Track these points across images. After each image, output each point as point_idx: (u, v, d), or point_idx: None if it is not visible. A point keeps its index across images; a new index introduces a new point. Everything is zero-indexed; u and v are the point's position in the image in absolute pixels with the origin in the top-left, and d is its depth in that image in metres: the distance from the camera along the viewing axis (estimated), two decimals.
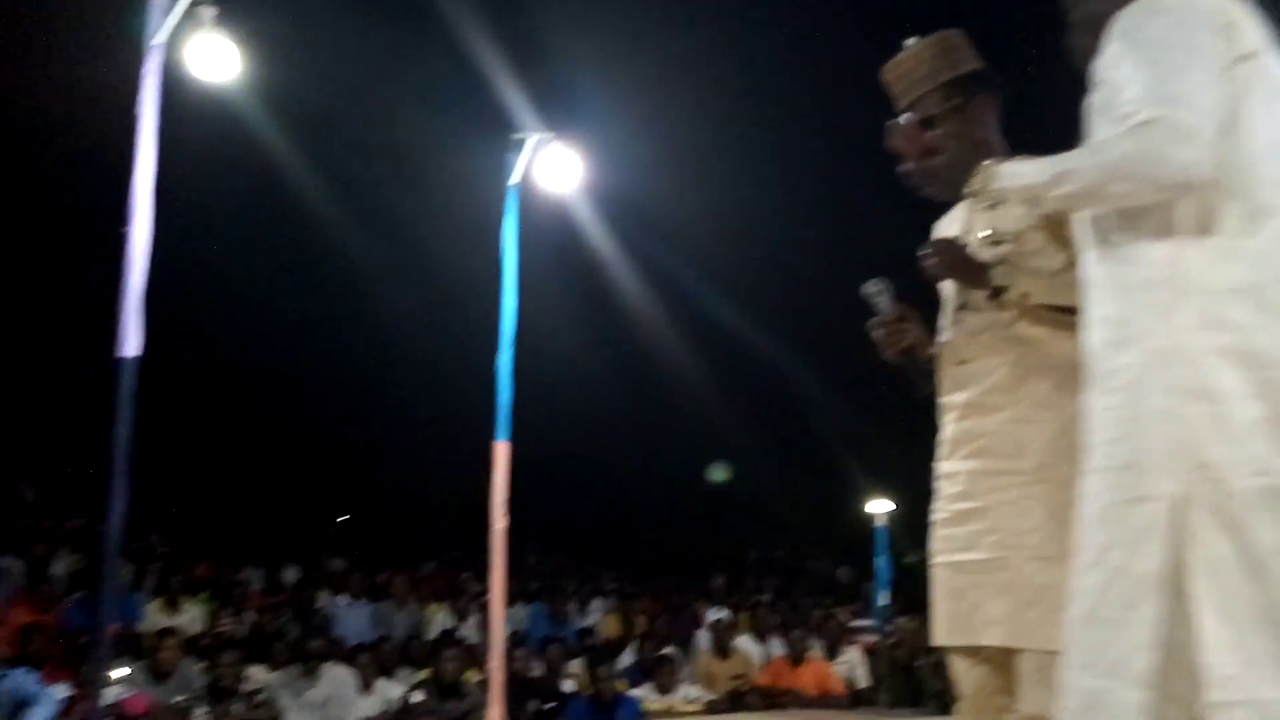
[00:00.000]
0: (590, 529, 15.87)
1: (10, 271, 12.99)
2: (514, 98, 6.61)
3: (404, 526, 14.67)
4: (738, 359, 14.72)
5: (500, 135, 5.82)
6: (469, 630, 8.85)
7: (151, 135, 4.45)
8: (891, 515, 9.64)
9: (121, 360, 4.24)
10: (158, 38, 4.47)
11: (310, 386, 16.01)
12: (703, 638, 8.35)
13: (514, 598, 8.19)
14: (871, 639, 8.41)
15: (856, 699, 7.26)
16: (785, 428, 16.48)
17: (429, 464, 16.34)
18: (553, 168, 5.83)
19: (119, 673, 5.45)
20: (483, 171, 6.05)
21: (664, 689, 7.07)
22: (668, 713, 6.81)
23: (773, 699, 7.06)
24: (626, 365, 15.06)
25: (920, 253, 2.33)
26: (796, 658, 7.30)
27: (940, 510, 2.34)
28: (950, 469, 2.33)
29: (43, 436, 15.17)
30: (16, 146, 10.97)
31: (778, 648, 8.18)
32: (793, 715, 6.62)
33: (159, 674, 6.11)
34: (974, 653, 2.25)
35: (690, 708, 6.94)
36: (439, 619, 9.22)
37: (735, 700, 7.11)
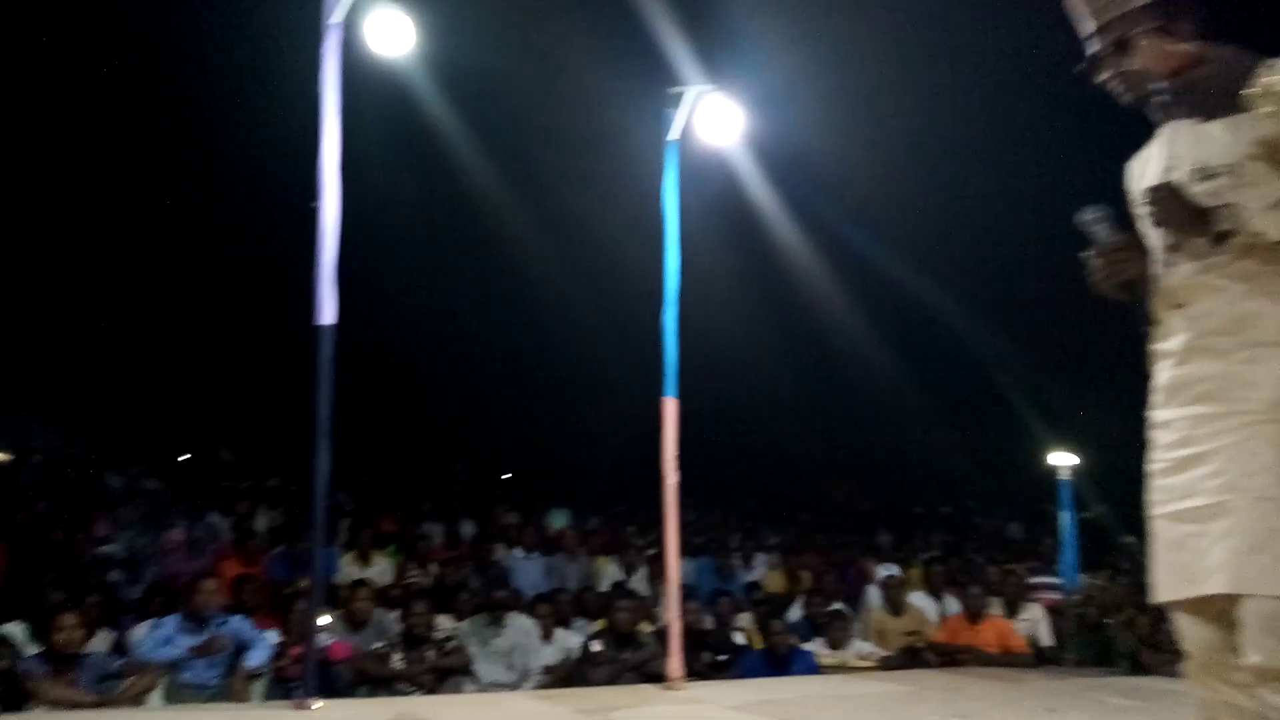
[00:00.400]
0: (749, 484, 15.89)
1: (208, 249, 13.99)
2: (673, 50, 6.53)
3: (566, 483, 15.07)
4: (904, 310, 14.31)
5: (660, 91, 5.80)
6: (637, 583, 9.05)
7: (334, 112, 4.65)
8: (1075, 469, 9.17)
9: (320, 328, 4.46)
10: (335, 16, 4.66)
11: (477, 348, 16.59)
12: (873, 594, 8.25)
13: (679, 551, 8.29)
14: (1055, 596, 8.10)
15: (1041, 657, 7.01)
16: (952, 381, 15.95)
17: (587, 422, 16.70)
18: (713, 121, 5.76)
19: (322, 620, 5.79)
20: (643, 128, 6.04)
21: (835, 644, 7.02)
22: (841, 668, 6.75)
23: (950, 656, 6.90)
24: (789, 319, 14.87)
25: (1141, 202, 2.20)
26: (975, 614, 7.09)
27: (1157, 460, 2.23)
28: (1167, 416, 2.21)
29: (234, 403, 16.36)
30: (213, 130, 11.74)
31: (953, 605, 8.00)
32: (973, 672, 6.45)
33: (354, 623, 6.45)
34: (1199, 608, 2.14)
35: (864, 663, 6.86)
36: (609, 571, 9.46)
37: (911, 656, 6.98)
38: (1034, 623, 7.32)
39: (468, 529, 10.25)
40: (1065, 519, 8.88)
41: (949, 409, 15.75)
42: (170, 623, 5.71)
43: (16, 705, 4.75)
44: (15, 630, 5.69)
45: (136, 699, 5.07)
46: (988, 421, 15.84)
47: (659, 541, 10.14)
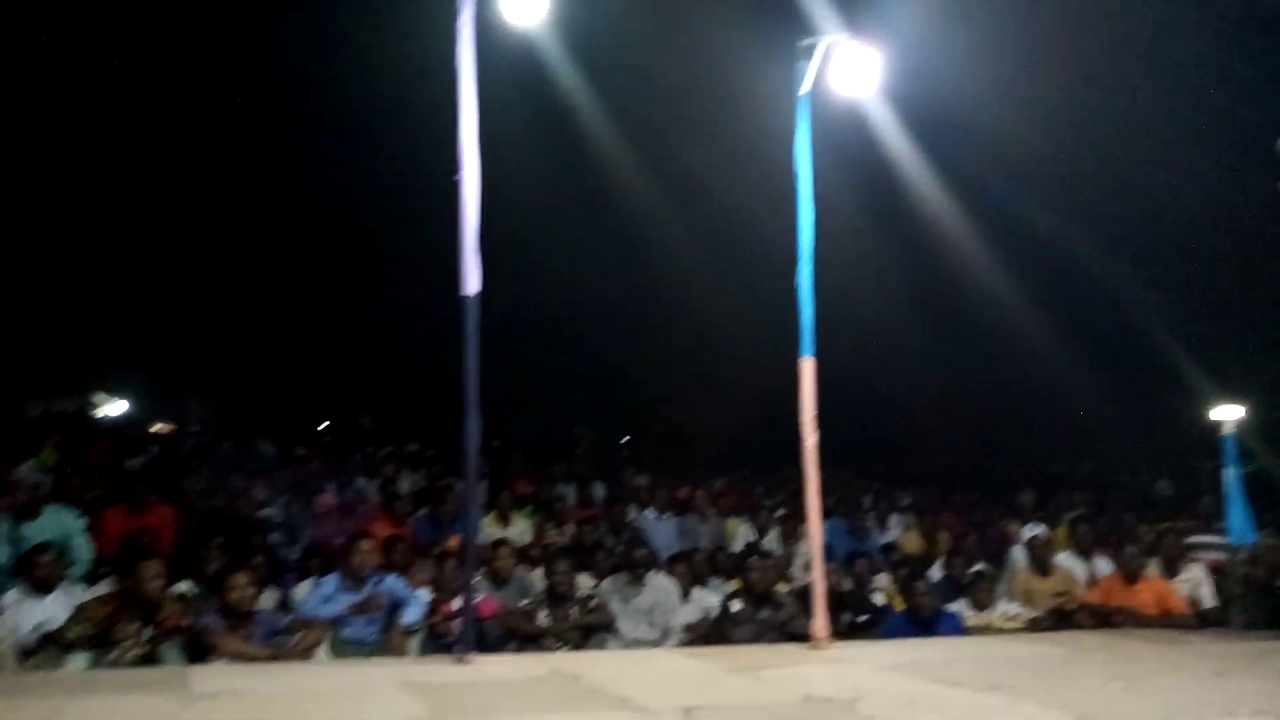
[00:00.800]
0: (880, 444, 15.62)
1: (349, 226, 14.47)
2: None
3: (688, 445, 15.11)
4: (1046, 261, 13.67)
5: (791, 43, 5.64)
6: (770, 543, 9.04)
7: (471, 84, 4.70)
8: (1239, 422, 8.58)
9: (465, 299, 4.54)
10: None
11: (602, 312, 16.72)
12: (1019, 554, 8.01)
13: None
14: (1217, 556, 7.68)
15: (1203, 620, 6.67)
16: (1097, 335, 15.20)
17: (711, 385, 16.66)
18: (848, 72, 5.59)
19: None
20: (774, 82, 5.91)
21: (980, 605, 6.84)
22: (987, 629, 6.59)
23: (1105, 617, 6.64)
24: (926, 274, 14.43)
25: None
26: (1132, 575, 6.79)
27: None
28: None
29: (371, 372, 16.96)
30: (355, 108, 12.10)
31: (1102, 565, 7.70)
32: (1131, 634, 6.19)
33: (497, 581, 6.64)
34: None
35: (1011, 625, 6.67)
36: (740, 532, 9.48)
37: (1061, 618, 6.76)
38: (1195, 583, 6.96)
39: (599, 490, 10.43)
40: (1229, 475, 8.35)
41: (1092, 364, 15.04)
42: (330, 581, 5.96)
43: (199, 658, 5.07)
44: (191, 588, 6.05)
45: (306, 653, 5.34)
46: (1134, 375, 15.11)
47: (787, 502, 10.12)
